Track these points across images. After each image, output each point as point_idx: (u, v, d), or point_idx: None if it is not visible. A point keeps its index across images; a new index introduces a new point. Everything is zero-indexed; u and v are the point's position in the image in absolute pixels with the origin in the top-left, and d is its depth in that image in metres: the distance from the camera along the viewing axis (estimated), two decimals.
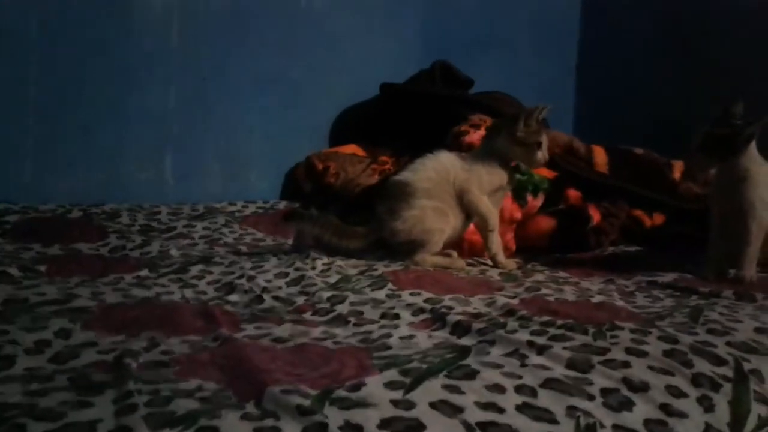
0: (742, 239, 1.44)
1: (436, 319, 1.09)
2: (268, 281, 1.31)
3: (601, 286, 1.39)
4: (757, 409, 0.84)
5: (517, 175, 1.67)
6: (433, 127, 2.02)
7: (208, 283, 1.31)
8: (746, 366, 0.91)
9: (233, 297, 1.23)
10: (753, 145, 1.44)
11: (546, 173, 1.84)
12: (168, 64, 2.13)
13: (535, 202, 1.77)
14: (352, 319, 1.10)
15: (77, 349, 0.90)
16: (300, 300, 1.21)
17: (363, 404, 0.71)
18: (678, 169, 2.03)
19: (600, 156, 2.02)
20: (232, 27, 2.21)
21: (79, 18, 2.01)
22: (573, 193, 1.85)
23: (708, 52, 2.52)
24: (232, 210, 2.05)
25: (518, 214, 1.73)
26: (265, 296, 1.23)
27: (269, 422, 0.67)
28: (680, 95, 2.60)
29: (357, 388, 0.75)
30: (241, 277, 1.33)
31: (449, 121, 2.02)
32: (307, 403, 0.70)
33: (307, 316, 1.14)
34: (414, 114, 2.20)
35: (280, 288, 1.28)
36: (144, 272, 1.36)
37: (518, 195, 1.72)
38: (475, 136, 1.88)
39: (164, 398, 0.73)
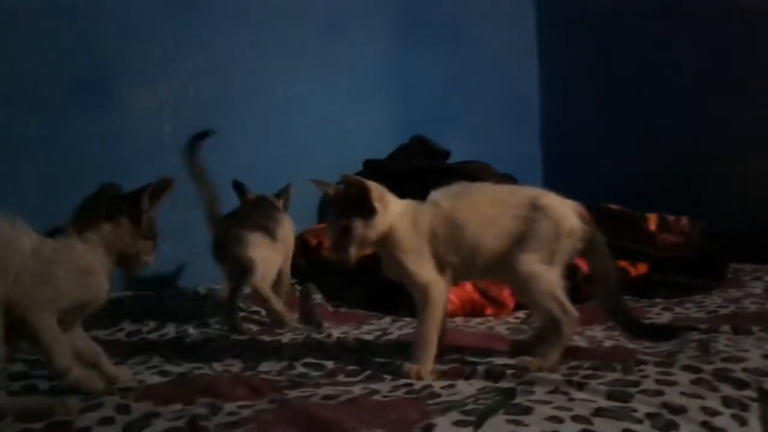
0: None
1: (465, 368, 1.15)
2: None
3: (604, 333, 1.46)
4: None
5: None
6: (416, 197, 2.11)
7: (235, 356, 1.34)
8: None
9: (263, 367, 1.27)
10: None
11: None
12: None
13: None
14: (388, 377, 1.14)
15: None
16: (330, 364, 1.25)
17: None
18: (653, 221, 2.16)
19: None
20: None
21: None
22: None
23: (659, 115, 2.72)
24: None
25: None
26: (296, 363, 1.27)
27: None
28: (638, 155, 2.78)
29: (429, 428, 0.80)
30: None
31: (430, 190, 2.12)
32: None
33: (341, 378, 1.18)
34: (397, 186, 2.30)
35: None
36: None
37: None
38: None
39: None
